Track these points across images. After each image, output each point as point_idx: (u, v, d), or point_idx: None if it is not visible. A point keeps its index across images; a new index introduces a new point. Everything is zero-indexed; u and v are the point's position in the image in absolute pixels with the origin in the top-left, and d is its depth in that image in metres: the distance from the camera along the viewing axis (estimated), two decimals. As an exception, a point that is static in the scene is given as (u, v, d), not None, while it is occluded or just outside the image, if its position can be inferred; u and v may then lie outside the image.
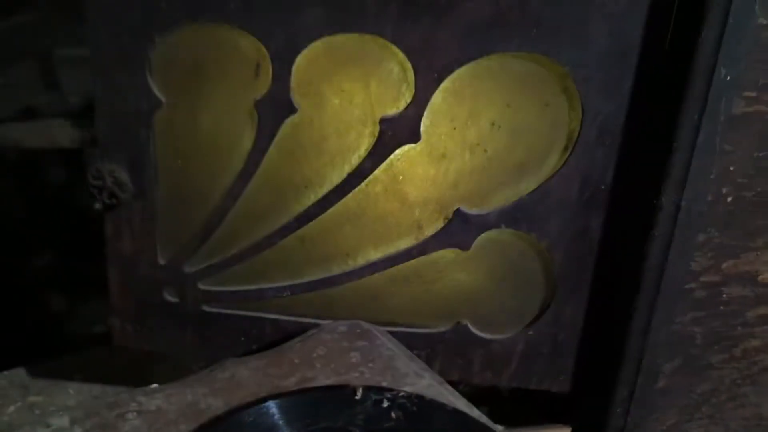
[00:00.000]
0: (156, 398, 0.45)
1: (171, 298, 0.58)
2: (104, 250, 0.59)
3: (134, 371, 0.71)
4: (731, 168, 0.49)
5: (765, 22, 0.45)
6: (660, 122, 0.48)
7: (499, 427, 0.45)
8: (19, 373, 0.82)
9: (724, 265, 0.52)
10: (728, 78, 0.45)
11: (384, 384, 0.46)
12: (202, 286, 0.58)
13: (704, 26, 0.44)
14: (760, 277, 0.53)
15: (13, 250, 1.06)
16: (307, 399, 0.44)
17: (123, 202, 0.54)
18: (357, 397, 0.44)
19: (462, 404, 0.47)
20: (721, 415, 0.57)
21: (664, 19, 0.47)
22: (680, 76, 0.46)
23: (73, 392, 0.75)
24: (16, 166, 1.07)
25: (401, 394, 0.45)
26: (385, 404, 0.44)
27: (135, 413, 0.43)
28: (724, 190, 0.49)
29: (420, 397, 0.45)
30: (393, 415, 0.43)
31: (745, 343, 0.55)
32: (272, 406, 0.43)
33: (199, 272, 0.57)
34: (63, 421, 0.42)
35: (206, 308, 0.58)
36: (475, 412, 0.47)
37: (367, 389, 0.45)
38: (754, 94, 0.47)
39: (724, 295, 0.53)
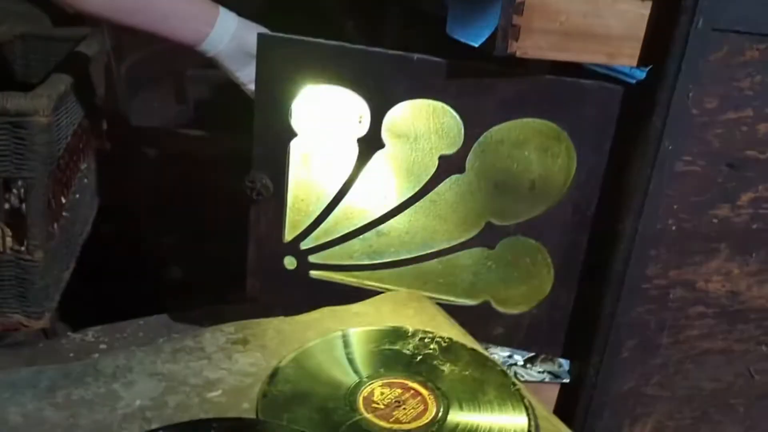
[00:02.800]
0: (280, 322, 0.72)
1: (289, 266, 0.85)
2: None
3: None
4: (675, 206, 0.71)
5: (696, 112, 0.68)
6: (626, 172, 0.72)
7: (499, 361, 0.70)
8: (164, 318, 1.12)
9: (670, 273, 0.74)
10: (670, 147, 0.68)
11: (428, 329, 0.72)
12: (311, 260, 0.85)
13: (654, 113, 0.68)
14: (697, 285, 0.75)
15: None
16: (378, 332, 0.70)
17: (265, 199, 0.82)
18: (409, 334, 0.70)
19: (477, 346, 0.71)
20: (669, 383, 0.80)
21: (630, 106, 0.71)
22: (639, 145, 0.70)
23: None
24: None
25: (438, 335, 0.70)
26: (427, 340, 0.69)
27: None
28: (669, 221, 0.72)
29: (450, 339, 0.70)
30: (432, 346, 0.68)
31: (687, 332, 0.77)
32: (352, 334, 0.69)
33: (310, 249, 0.84)
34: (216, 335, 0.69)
35: (312, 274, 0.85)
36: (485, 352, 0.71)
37: (417, 330, 0.70)
38: (690, 158, 0.70)
39: (671, 295, 0.75)
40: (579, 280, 0.79)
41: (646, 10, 0.67)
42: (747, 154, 0.70)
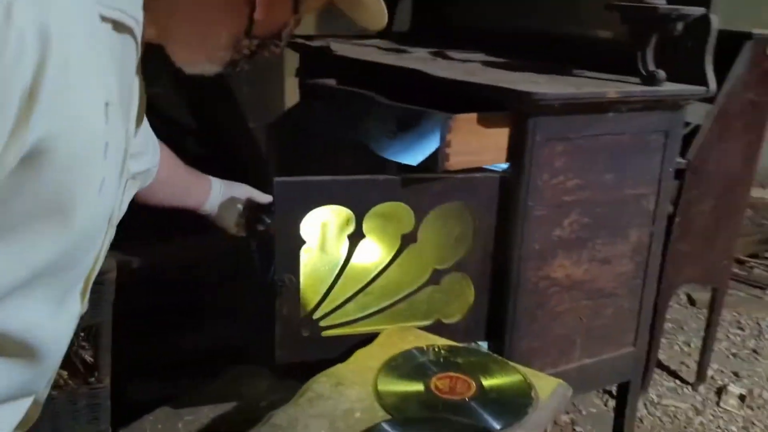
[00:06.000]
0: (343, 366, 1.08)
1: (305, 333, 1.20)
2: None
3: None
4: (535, 234, 1.25)
5: (539, 183, 1.22)
6: (508, 221, 1.23)
7: (482, 346, 1.16)
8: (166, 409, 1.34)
9: (539, 273, 1.28)
10: (530, 203, 1.22)
11: (430, 344, 1.14)
12: (321, 324, 1.21)
13: (520, 187, 1.20)
14: (551, 275, 1.30)
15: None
16: (408, 353, 1.11)
17: (288, 290, 1.16)
18: (425, 349, 1.12)
19: (461, 344, 1.16)
20: (544, 335, 1.34)
21: (504, 184, 1.22)
22: (513, 204, 1.22)
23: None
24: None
25: (439, 345, 1.13)
26: (437, 349, 1.12)
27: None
28: (533, 243, 1.26)
29: (447, 345, 1.14)
30: (443, 352, 1.11)
31: (550, 303, 1.32)
32: (396, 357, 1.09)
33: (319, 318, 1.20)
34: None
35: (323, 334, 1.21)
36: (469, 345, 1.16)
37: (428, 346, 1.13)
38: (540, 207, 1.24)
39: (540, 284, 1.29)
40: (490, 291, 1.29)
41: (506, 134, 1.19)
42: (563, 199, 1.26)
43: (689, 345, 2.31)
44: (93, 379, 1.07)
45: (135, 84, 0.75)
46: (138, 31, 0.69)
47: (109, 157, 0.61)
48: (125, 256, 1.59)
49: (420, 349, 1.13)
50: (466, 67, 1.43)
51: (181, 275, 1.68)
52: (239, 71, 0.73)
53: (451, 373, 1.07)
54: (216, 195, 1.24)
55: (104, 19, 0.61)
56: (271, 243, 1.15)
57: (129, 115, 0.73)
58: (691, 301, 2.62)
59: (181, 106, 2.49)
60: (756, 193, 3.82)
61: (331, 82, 1.47)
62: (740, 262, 3.01)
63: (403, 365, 1.09)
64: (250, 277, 1.25)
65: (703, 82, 1.31)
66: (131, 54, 0.70)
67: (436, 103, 1.24)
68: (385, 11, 0.82)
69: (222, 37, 0.76)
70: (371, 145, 1.28)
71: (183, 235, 1.58)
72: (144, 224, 1.67)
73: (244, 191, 1.28)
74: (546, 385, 1.06)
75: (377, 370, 1.07)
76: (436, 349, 1.13)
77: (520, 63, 1.47)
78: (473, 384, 1.04)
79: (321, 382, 1.04)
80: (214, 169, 1.32)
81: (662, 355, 2.21)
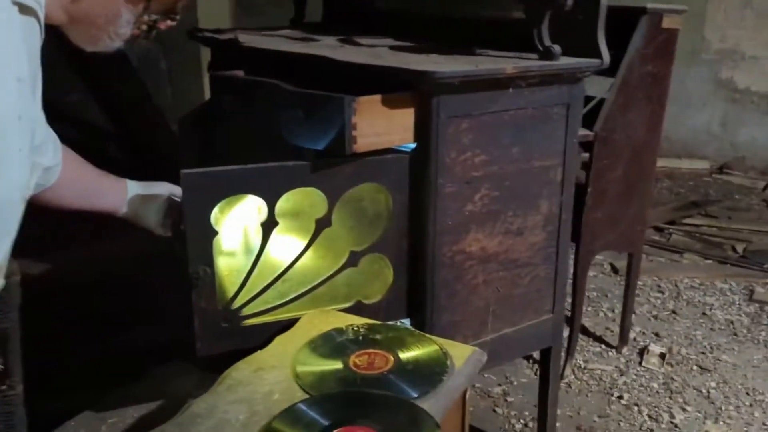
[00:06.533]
0: (264, 352, 1.09)
1: (225, 325, 1.20)
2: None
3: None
4: (436, 211, 1.28)
5: (447, 160, 1.25)
6: (420, 199, 1.26)
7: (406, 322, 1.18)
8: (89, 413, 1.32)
9: (453, 248, 1.31)
10: (440, 180, 1.25)
11: (350, 323, 1.16)
12: (240, 314, 1.21)
13: (430, 165, 1.23)
14: (466, 250, 1.34)
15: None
16: (329, 333, 1.12)
17: (203, 282, 1.15)
18: (344, 329, 1.14)
19: (379, 322, 1.18)
20: (464, 309, 1.38)
21: (414, 163, 1.25)
22: (424, 183, 1.25)
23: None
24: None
25: (359, 324, 1.15)
26: (356, 328, 1.14)
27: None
28: (445, 219, 1.29)
29: (366, 324, 1.16)
30: (362, 330, 1.13)
31: (467, 276, 1.36)
32: (316, 338, 1.10)
33: (238, 308, 1.20)
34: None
35: (242, 324, 1.21)
36: (388, 323, 1.19)
37: (347, 326, 1.14)
38: (450, 184, 1.27)
39: (456, 258, 1.33)
40: (407, 269, 1.31)
41: (412, 114, 1.22)
42: (473, 175, 1.30)
43: (613, 311, 2.41)
44: (5, 387, 1.05)
45: (38, 65, 0.79)
46: (41, 14, 0.75)
47: (23, 131, 0.68)
48: (41, 263, 1.55)
49: (338, 330, 1.15)
50: (373, 52, 1.45)
51: (102, 279, 1.65)
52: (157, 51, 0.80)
53: (370, 350, 1.09)
54: (133, 197, 1.22)
55: (13, 2, 0.69)
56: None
57: (35, 94, 0.78)
58: (614, 270, 2.73)
59: (99, 111, 2.44)
60: (672, 163, 4.00)
61: (239, 73, 1.47)
62: (659, 230, 3.15)
63: (322, 346, 1.11)
64: (173, 275, 1.23)
65: (597, 54, 1.37)
66: (36, 36, 0.77)
67: (345, 88, 1.25)
68: None
69: (124, 14, 0.85)
70: (282, 133, 1.28)
71: (98, 240, 1.55)
72: (59, 230, 1.64)
73: (165, 190, 1.27)
74: (461, 354, 1.09)
75: (296, 353, 1.09)
76: (355, 328, 1.15)
77: (426, 46, 1.50)
78: (391, 358, 1.07)
79: (240, 369, 1.05)
80: (137, 170, 1.30)
81: (588, 322, 2.30)
